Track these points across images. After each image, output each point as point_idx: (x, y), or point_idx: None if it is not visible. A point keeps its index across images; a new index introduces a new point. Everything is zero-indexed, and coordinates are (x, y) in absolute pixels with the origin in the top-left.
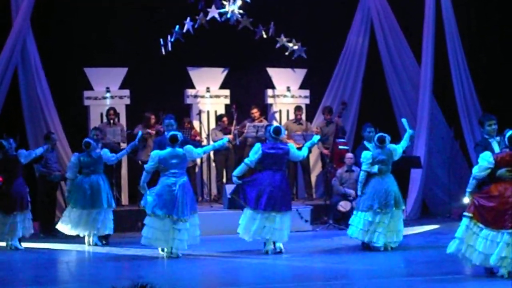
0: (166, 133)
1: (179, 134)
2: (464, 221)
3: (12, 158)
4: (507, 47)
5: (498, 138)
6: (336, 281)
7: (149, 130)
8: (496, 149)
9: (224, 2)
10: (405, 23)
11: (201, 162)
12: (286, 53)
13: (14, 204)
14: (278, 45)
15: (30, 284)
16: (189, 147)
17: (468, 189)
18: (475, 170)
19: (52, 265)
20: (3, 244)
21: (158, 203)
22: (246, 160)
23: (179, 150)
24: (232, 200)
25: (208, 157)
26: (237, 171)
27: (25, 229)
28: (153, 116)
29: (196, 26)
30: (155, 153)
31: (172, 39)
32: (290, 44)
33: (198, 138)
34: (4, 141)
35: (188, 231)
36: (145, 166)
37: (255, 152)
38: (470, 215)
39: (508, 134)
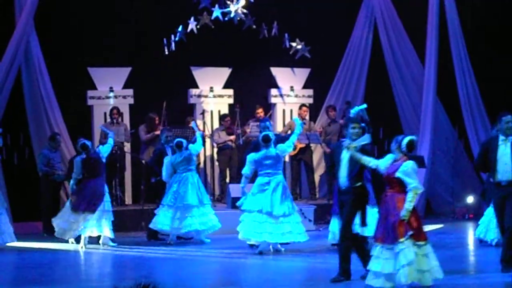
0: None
1: (271, 134)
2: None
3: (93, 157)
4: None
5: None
6: (339, 281)
7: (156, 132)
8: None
9: (228, 2)
10: (408, 23)
11: (204, 162)
12: (290, 53)
13: (82, 202)
14: (284, 45)
15: (33, 284)
16: (281, 145)
17: None
18: None
19: (56, 265)
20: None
21: (251, 201)
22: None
23: (272, 150)
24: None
25: (212, 157)
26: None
27: (99, 228)
28: (156, 117)
29: (199, 25)
30: (251, 156)
31: (176, 39)
32: (294, 44)
33: None
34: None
35: (285, 226)
36: (243, 171)
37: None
38: None
39: None
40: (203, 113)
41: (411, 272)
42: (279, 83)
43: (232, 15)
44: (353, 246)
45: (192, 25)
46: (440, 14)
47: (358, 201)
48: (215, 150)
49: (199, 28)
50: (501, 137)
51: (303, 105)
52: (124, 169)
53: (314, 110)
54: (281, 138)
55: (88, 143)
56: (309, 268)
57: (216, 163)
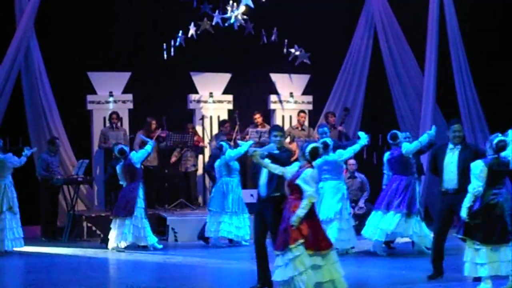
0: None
1: (329, 140)
2: None
3: (130, 163)
4: (511, 55)
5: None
6: None
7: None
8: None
9: (228, 8)
10: (408, 30)
11: (203, 167)
12: (290, 59)
13: (117, 208)
14: (284, 51)
15: None
16: (339, 151)
17: None
18: None
19: (54, 269)
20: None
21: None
22: None
23: (330, 156)
24: None
25: None
26: None
27: (131, 234)
28: (154, 122)
29: (199, 31)
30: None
31: (177, 44)
32: (293, 50)
33: (201, 144)
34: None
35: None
36: None
37: None
38: None
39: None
40: (202, 118)
41: (303, 281)
42: (279, 89)
43: (232, 21)
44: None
45: (192, 30)
46: (440, 21)
47: (277, 211)
48: None
49: (199, 33)
50: (450, 145)
51: (301, 111)
52: None
53: (313, 116)
54: (340, 145)
55: (126, 148)
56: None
57: None
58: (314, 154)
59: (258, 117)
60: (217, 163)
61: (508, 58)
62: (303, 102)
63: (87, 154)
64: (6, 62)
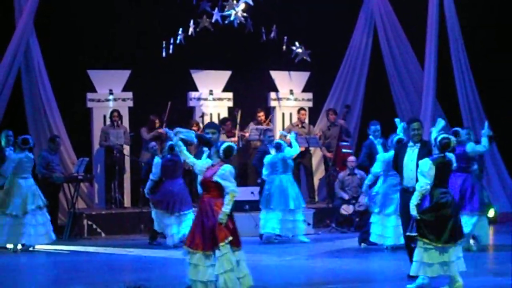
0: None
1: (402, 136)
2: None
3: (176, 159)
4: (511, 51)
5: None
6: (338, 285)
7: (159, 130)
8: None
9: (225, 3)
10: (408, 27)
11: None
12: (292, 57)
13: (178, 203)
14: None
15: (28, 287)
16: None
17: None
18: None
19: (54, 267)
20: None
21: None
22: None
23: (388, 152)
24: None
25: None
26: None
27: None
28: (157, 120)
29: (199, 29)
30: (382, 156)
31: (177, 42)
32: (293, 47)
33: None
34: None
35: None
36: (373, 169)
37: None
38: None
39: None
40: (202, 116)
41: (231, 279)
42: (279, 87)
43: (232, 18)
44: None
45: (191, 28)
46: (440, 18)
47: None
48: None
49: (199, 31)
50: (410, 143)
51: (301, 108)
52: (124, 171)
53: (313, 113)
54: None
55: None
56: (308, 271)
57: None
58: (228, 153)
59: (261, 115)
60: (267, 160)
61: (509, 53)
62: (303, 99)
63: (87, 152)
64: (6, 60)
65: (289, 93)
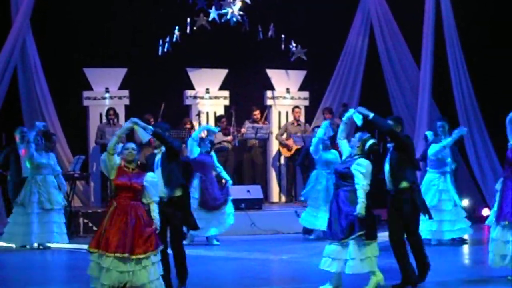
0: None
1: (429, 133)
2: None
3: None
4: (507, 51)
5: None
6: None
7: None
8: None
9: (223, 3)
10: (404, 26)
11: None
12: (290, 56)
13: (211, 200)
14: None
15: (23, 285)
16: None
17: None
18: None
19: (50, 266)
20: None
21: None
22: None
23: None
24: None
25: None
26: None
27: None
28: (151, 119)
29: (195, 27)
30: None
31: (173, 40)
32: (290, 46)
33: None
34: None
35: None
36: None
37: None
38: None
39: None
40: (198, 114)
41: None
42: (275, 85)
43: (228, 16)
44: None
45: (188, 26)
46: (436, 17)
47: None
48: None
49: (196, 29)
50: (390, 146)
51: (296, 106)
52: None
53: (310, 112)
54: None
55: None
56: (304, 269)
57: None
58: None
59: (257, 114)
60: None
61: (505, 52)
62: (299, 98)
63: (83, 150)
64: (2, 58)
65: (285, 91)
